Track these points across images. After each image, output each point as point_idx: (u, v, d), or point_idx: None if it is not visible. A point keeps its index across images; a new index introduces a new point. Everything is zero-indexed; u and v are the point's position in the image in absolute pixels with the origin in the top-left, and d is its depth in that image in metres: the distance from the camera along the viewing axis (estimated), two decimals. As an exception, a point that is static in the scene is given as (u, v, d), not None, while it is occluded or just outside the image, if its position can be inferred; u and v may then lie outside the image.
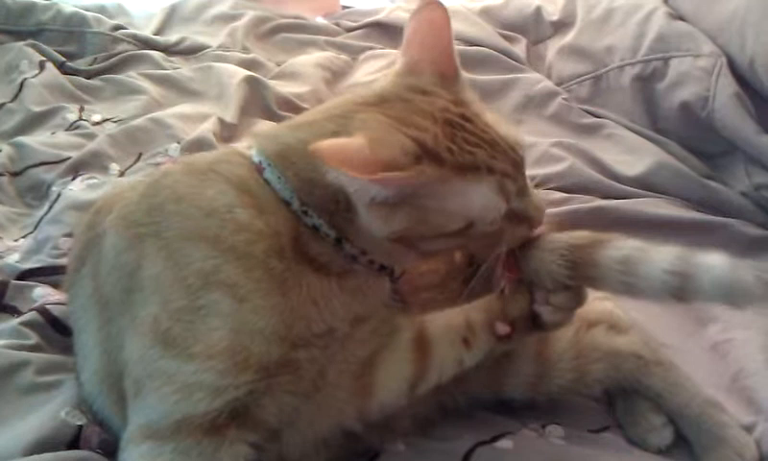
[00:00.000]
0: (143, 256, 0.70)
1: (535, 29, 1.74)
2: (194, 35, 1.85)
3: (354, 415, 0.76)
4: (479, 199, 0.69)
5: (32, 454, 0.73)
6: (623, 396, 0.89)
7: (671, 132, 1.37)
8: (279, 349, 0.67)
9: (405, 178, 0.64)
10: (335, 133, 0.68)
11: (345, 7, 2.16)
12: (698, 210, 1.24)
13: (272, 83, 1.57)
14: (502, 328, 0.78)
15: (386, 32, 1.85)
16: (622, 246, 0.74)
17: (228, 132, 1.39)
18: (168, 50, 1.76)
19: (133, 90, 1.56)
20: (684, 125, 1.34)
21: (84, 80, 1.60)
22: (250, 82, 1.51)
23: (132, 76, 1.61)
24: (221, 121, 1.39)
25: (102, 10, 1.90)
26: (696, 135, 1.33)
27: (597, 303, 0.95)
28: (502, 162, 0.71)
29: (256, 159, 0.72)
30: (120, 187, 0.92)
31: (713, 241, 1.16)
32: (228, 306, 0.66)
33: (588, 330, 0.89)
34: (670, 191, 1.27)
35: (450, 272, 0.88)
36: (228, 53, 1.74)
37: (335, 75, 1.70)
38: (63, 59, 1.63)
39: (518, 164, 0.74)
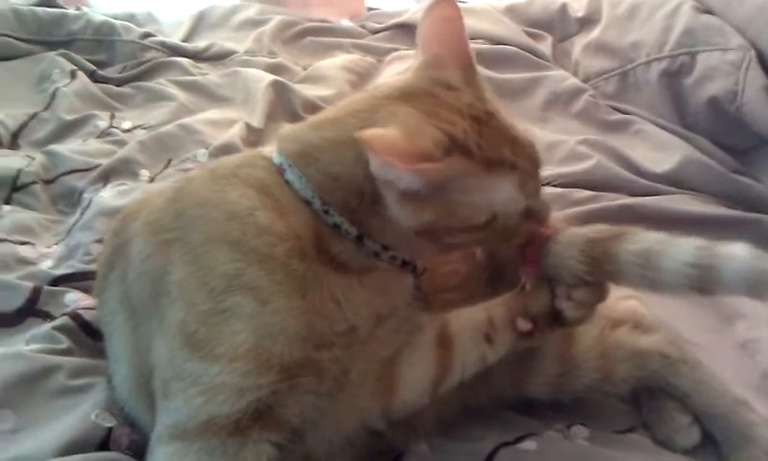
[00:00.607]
0: (169, 261, 0.72)
1: (561, 26, 1.74)
2: (222, 40, 1.88)
3: (378, 413, 0.77)
4: (503, 193, 0.70)
5: (62, 456, 0.75)
6: (649, 395, 0.89)
7: (700, 127, 1.35)
8: (301, 349, 0.68)
9: (442, 169, 0.65)
10: (360, 129, 0.66)
11: (370, 9, 2.17)
12: (728, 206, 1.22)
13: (297, 86, 1.59)
14: (524, 325, 0.78)
15: (411, 33, 1.85)
16: (641, 239, 0.73)
17: (254, 136, 1.41)
18: (196, 56, 1.79)
19: (163, 97, 1.59)
20: (713, 120, 1.32)
21: (114, 88, 1.63)
22: (275, 86, 1.53)
23: (161, 83, 1.64)
24: (248, 126, 1.41)
25: (131, 18, 1.94)
26: (725, 130, 1.31)
27: (622, 301, 0.94)
28: (523, 160, 0.72)
29: (277, 161, 0.73)
30: (147, 193, 0.94)
31: (744, 237, 1.13)
32: (252, 309, 0.67)
33: (613, 330, 0.89)
34: (699, 187, 1.25)
35: (471, 272, 0.88)
36: (254, 58, 1.76)
37: (361, 77, 1.71)
38: (94, 67, 1.66)
39: (536, 163, 0.75)
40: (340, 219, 0.70)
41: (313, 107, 1.52)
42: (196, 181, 0.78)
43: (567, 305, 0.77)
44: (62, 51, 1.67)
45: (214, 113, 1.52)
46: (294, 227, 0.70)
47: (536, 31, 1.74)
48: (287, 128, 0.79)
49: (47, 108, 1.51)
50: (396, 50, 1.81)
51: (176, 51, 1.78)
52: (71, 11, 1.78)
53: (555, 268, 0.77)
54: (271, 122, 1.47)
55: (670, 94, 1.39)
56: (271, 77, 1.56)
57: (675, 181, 1.27)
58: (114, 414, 0.80)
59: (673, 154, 1.30)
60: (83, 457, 0.74)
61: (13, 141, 1.42)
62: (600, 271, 0.75)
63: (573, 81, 1.54)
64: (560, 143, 1.35)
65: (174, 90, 1.61)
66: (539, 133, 1.42)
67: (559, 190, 1.25)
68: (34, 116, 1.48)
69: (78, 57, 1.67)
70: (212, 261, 0.69)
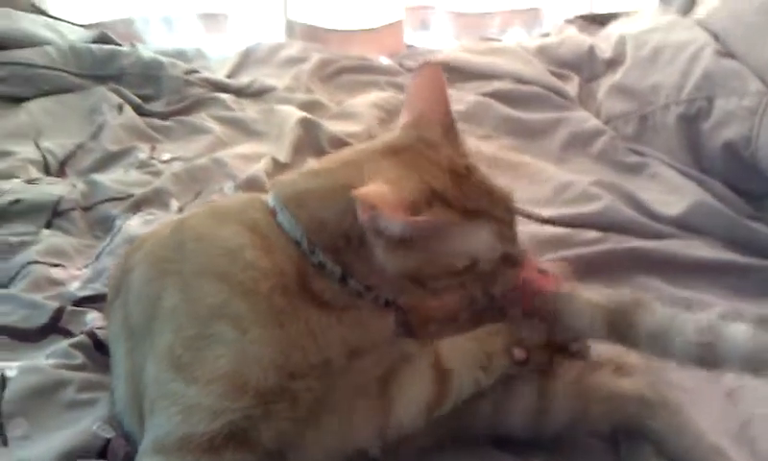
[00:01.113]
0: (164, 289, 0.79)
1: (588, 67, 1.76)
2: (264, 77, 1.97)
3: (373, 434, 0.80)
4: (482, 241, 0.77)
5: (63, 461, 0.82)
6: (628, 436, 0.90)
7: (716, 172, 1.36)
8: (276, 377, 0.73)
9: (426, 219, 0.72)
10: (349, 179, 0.74)
11: (409, 46, 2.24)
12: (737, 252, 1.22)
13: (327, 123, 1.65)
14: (519, 354, 0.84)
15: (443, 72, 1.90)
16: (658, 311, 0.81)
17: (280, 171, 1.47)
18: (238, 92, 1.88)
19: (201, 131, 1.68)
20: (728, 165, 1.33)
21: (158, 121, 1.74)
22: (304, 123, 1.60)
23: (201, 117, 1.74)
24: (274, 161, 1.48)
25: (181, 53, 2.06)
26: (740, 176, 1.32)
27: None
28: (499, 210, 0.79)
29: (271, 204, 0.80)
30: (160, 225, 1.02)
31: (753, 284, 1.16)
32: (233, 336, 0.73)
33: (594, 371, 0.91)
34: (709, 231, 1.26)
35: (460, 304, 0.92)
36: (292, 95, 1.84)
37: (390, 114, 1.76)
38: (140, 101, 1.77)
39: (512, 212, 0.82)
40: (325, 259, 0.76)
41: (340, 143, 1.58)
42: (197, 217, 0.87)
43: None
44: (112, 85, 1.78)
45: (246, 147, 1.60)
46: (279, 264, 0.76)
47: (564, 71, 1.77)
48: (286, 175, 0.87)
49: (94, 138, 1.62)
50: (428, 88, 1.86)
51: (219, 87, 1.88)
52: (123, 48, 1.91)
53: (570, 330, 0.86)
54: (298, 157, 1.53)
55: (687, 138, 1.40)
56: (300, 114, 1.63)
57: (685, 224, 1.27)
58: (114, 426, 0.86)
59: (685, 197, 1.31)
60: (86, 466, 0.81)
61: (61, 169, 1.53)
62: (618, 339, 0.83)
63: (594, 122, 1.56)
64: (572, 184, 1.37)
65: (212, 124, 1.70)
66: (553, 173, 1.44)
67: (566, 230, 1.27)
68: (81, 146, 1.59)
69: (126, 91, 1.78)
70: (201, 291, 0.76)
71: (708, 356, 0.77)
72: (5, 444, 0.86)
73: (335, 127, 1.64)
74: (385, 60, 2.08)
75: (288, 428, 0.76)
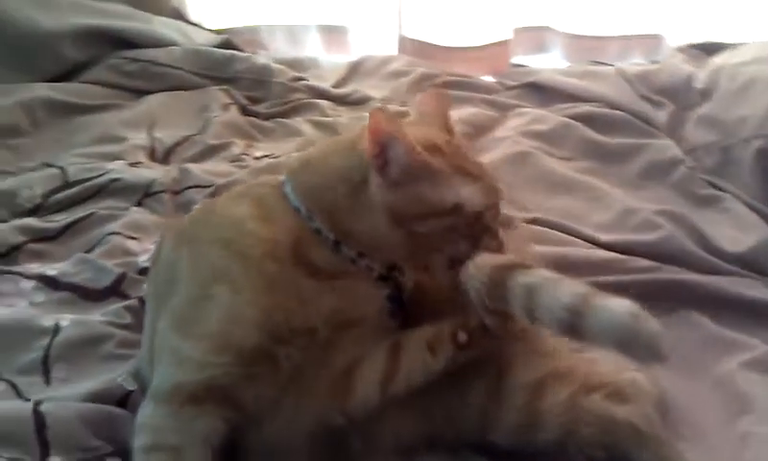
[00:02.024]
0: (180, 256, 0.88)
1: (684, 96, 1.70)
2: (368, 88, 2.06)
3: (336, 412, 0.84)
4: (468, 191, 0.82)
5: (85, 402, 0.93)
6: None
7: (792, 210, 1.27)
8: (258, 338, 0.80)
9: (430, 160, 0.80)
10: (351, 141, 0.84)
11: (515, 66, 2.24)
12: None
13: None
14: (462, 336, 0.85)
15: (537, 92, 1.91)
16: (534, 274, 0.77)
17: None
18: (338, 100, 1.98)
19: (295, 133, 1.80)
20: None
21: (259, 121, 1.88)
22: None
23: (298, 121, 1.85)
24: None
25: (297, 61, 2.20)
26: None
27: (624, 373, 0.95)
28: (486, 182, 0.85)
29: (282, 178, 0.88)
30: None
31: None
32: (227, 297, 0.81)
33: (588, 394, 0.89)
34: (771, 271, 1.18)
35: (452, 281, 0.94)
36: (387, 105, 1.92)
37: (477, 129, 1.79)
38: (246, 102, 1.92)
39: (497, 195, 0.87)
40: (321, 225, 0.83)
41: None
42: (223, 196, 0.96)
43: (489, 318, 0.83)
44: (225, 87, 1.95)
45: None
46: (276, 233, 0.83)
47: (659, 98, 1.71)
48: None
49: (200, 132, 1.77)
50: (521, 107, 1.87)
51: (321, 94, 1.99)
52: (241, 53, 2.07)
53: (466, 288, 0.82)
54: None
55: (763, 173, 1.31)
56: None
57: (748, 263, 1.20)
58: (137, 380, 0.97)
59: (752, 235, 1.24)
60: (96, 406, 0.92)
61: (165, 157, 1.70)
62: (495, 297, 0.79)
63: (674, 151, 1.50)
64: (637, 211, 1.34)
65: (306, 127, 1.81)
66: (620, 198, 1.41)
67: (620, 256, 1.24)
68: (187, 138, 1.75)
69: (236, 92, 1.94)
70: (208, 257, 0.85)
71: (576, 324, 0.71)
72: (47, 383, 0.99)
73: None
74: (487, 79, 2.11)
75: (268, 393, 0.82)
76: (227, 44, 2.15)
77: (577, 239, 1.32)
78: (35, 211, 1.41)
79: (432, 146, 0.82)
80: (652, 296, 1.13)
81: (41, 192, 1.44)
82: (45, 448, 0.83)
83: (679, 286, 1.17)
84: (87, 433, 0.86)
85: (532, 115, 1.76)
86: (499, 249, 0.85)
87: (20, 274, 1.19)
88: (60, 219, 1.37)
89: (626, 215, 1.35)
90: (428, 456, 0.90)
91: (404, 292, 0.90)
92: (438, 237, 0.83)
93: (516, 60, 2.29)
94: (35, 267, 1.22)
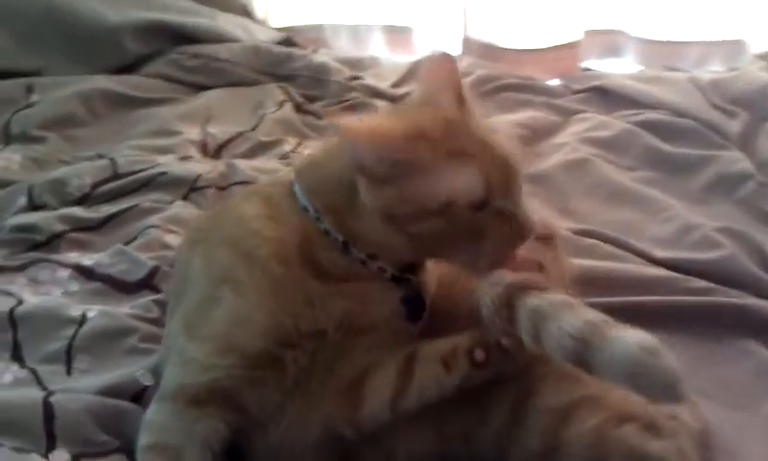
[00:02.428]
0: (193, 255, 0.87)
1: (760, 106, 1.57)
2: (427, 89, 2.01)
3: (344, 422, 0.80)
4: (462, 179, 0.74)
5: (101, 395, 0.91)
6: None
7: None
8: (264, 342, 0.77)
9: (404, 150, 0.72)
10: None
11: (584, 69, 2.15)
12: None
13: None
14: (479, 354, 0.78)
15: (603, 97, 1.82)
16: (543, 297, 0.70)
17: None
18: (393, 99, 1.94)
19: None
20: None
21: (314, 120, 1.86)
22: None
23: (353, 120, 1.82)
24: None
25: (358, 61, 2.17)
26: None
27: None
28: (490, 158, 0.75)
29: (292, 178, 0.84)
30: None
31: None
32: (232, 299, 0.78)
33: (620, 424, 0.82)
34: None
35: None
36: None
37: (536, 133, 1.72)
38: (302, 100, 1.90)
39: (509, 168, 0.77)
40: (329, 226, 0.78)
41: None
42: (235, 197, 0.94)
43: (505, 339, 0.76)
44: (282, 84, 1.94)
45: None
46: (283, 233, 0.79)
47: (733, 108, 1.60)
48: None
49: (253, 129, 1.77)
50: (585, 112, 1.78)
51: (378, 94, 1.95)
52: (300, 51, 2.06)
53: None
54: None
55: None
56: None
57: (820, 289, 1.09)
58: (156, 377, 0.95)
59: (826, 258, 1.12)
60: (106, 401, 0.89)
61: (217, 152, 1.69)
62: (503, 318, 0.73)
63: (744, 165, 1.39)
64: (697, 227, 1.24)
65: (359, 127, 1.78)
66: (680, 212, 1.32)
67: (674, 275, 1.16)
68: (240, 134, 1.74)
69: (292, 89, 1.92)
70: (217, 257, 0.83)
71: (584, 354, 0.64)
72: (69, 373, 0.98)
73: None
74: (553, 82, 2.03)
75: (273, 398, 0.79)
76: (287, 42, 2.14)
77: (631, 254, 1.24)
78: (83, 201, 1.42)
79: (417, 134, 0.74)
80: (705, 320, 1.07)
81: (90, 182, 1.46)
82: (52, 441, 0.82)
83: (736, 311, 1.07)
84: (95, 427, 0.85)
85: (595, 121, 1.68)
86: (523, 232, 0.78)
87: (59, 262, 1.20)
88: (105, 210, 1.38)
89: (686, 231, 1.25)
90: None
91: (424, 293, 0.85)
92: (444, 239, 0.77)
93: (587, 63, 2.19)
94: (73, 256, 1.23)
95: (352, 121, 0.74)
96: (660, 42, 2.15)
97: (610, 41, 2.22)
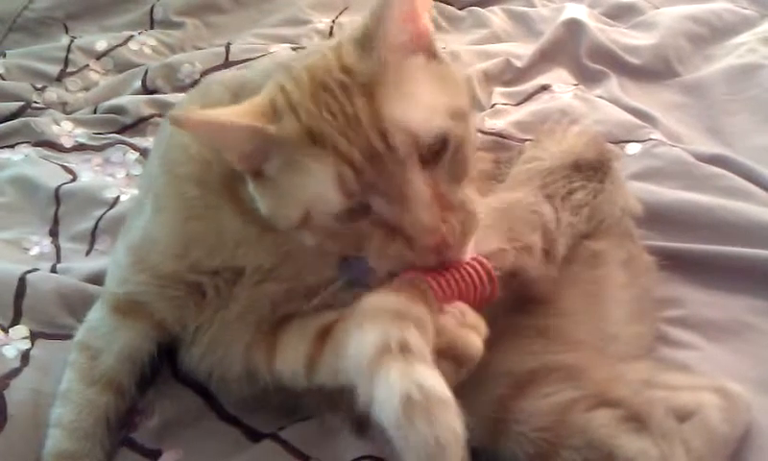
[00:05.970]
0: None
1: None
2: None
3: (263, 365, 0.72)
4: (314, 183, 0.58)
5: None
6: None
7: None
8: (174, 265, 0.72)
9: (260, 128, 0.58)
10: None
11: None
12: None
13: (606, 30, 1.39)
14: None
15: None
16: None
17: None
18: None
19: (483, 24, 1.61)
20: None
21: (454, 10, 1.69)
22: (569, 24, 1.39)
23: (494, 9, 1.64)
24: (508, 62, 1.33)
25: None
26: None
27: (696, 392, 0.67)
28: (352, 146, 0.56)
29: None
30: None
31: None
32: (149, 213, 0.74)
33: (593, 407, 0.62)
34: None
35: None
36: None
37: (714, 32, 1.39)
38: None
39: (379, 156, 0.56)
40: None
41: (603, 51, 1.34)
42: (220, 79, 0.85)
43: None
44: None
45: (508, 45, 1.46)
46: (207, 155, 0.69)
47: None
48: None
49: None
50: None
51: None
52: None
53: None
54: (543, 62, 1.35)
55: None
56: (572, 15, 1.41)
57: None
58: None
59: None
60: (79, 285, 0.88)
61: (340, 42, 1.61)
62: None
63: None
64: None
65: (497, 18, 1.61)
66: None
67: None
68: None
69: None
70: (153, 160, 0.80)
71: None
72: (88, 253, 1.00)
73: (611, 34, 1.36)
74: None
75: (191, 317, 0.74)
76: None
77: (764, 192, 0.95)
78: (191, 87, 1.43)
79: (286, 107, 0.58)
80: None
81: (201, 68, 1.45)
82: (18, 316, 0.84)
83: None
84: (61, 310, 0.86)
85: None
86: (414, 243, 0.58)
87: (132, 145, 1.22)
88: (199, 95, 1.37)
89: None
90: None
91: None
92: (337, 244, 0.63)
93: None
94: (150, 141, 1.24)
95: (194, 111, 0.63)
96: None
97: None
